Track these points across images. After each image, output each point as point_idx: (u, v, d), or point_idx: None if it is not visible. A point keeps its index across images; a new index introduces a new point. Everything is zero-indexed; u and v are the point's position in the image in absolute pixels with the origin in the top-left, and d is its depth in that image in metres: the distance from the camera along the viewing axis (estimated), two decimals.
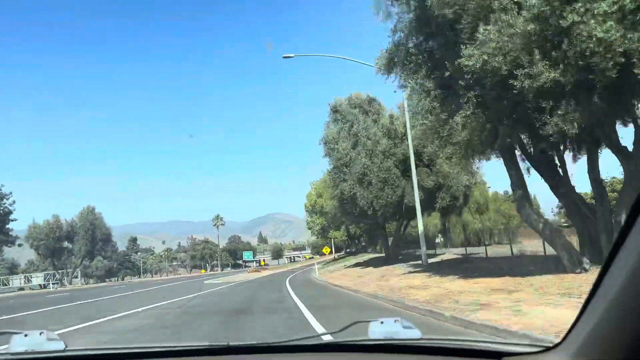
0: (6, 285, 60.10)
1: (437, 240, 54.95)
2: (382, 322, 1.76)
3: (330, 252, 69.23)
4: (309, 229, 63.84)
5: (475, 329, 7.09)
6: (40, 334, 1.79)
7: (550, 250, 20.60)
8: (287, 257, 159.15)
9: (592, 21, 8.70)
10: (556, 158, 14.26)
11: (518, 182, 13.22)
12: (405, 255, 35.32)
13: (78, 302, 22.29)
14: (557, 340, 1.40)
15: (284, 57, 24.69)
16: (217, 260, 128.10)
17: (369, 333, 1.76)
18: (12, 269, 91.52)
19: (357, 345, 1.81)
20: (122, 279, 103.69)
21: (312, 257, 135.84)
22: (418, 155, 25.02)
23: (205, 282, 41.76)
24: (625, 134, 12.89)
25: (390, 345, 1.71)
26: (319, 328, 8.40)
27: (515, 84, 10.28)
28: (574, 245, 13.72)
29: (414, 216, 32.12)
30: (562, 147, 14.75)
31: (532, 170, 15.05)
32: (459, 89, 12.20)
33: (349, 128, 28.72)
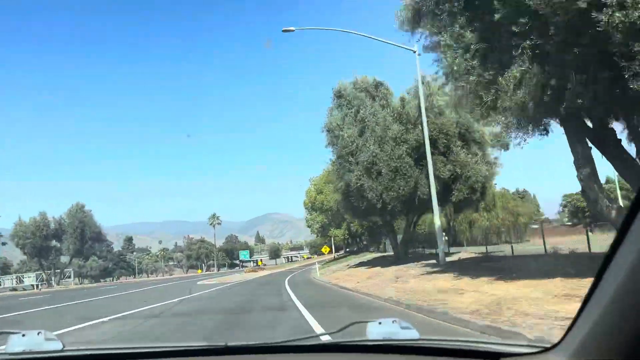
0: None
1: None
2: (380, 323, 1.77)
3: (330, 252, 66.47)
4: (309, 226, 61.01)
5: None
6: (38, 333, 1.79)
7: (596, 247, 17.94)
8: (284, 257, 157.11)
9: None
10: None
11: (584, 157, 10.50)
12: (413, 254, 32.60)
13: (45, 307, 19.49)
14: (556, 341, 1.41)
15: (284, 31, 21.98)
16: (213, 260, 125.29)
17: (367, 334, 1.76)
18: (5, 269, 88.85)
19: (355, 346, 1.81)
20: (118, 279, 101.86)
21: (311, 257, 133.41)
22: (433, 142, 22.34)
23: (197, 283, 39.26)
24: None
25: (389, 345, 1.71)
26: None
27: (600, 18, 7.59)
28: None
29: (426, 210, 29.43)
30: None
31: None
32: (510, 40, 9.52)
33: (354, 114, 25.98)
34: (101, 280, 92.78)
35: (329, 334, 2.39)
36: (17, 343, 1.77)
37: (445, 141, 23.05)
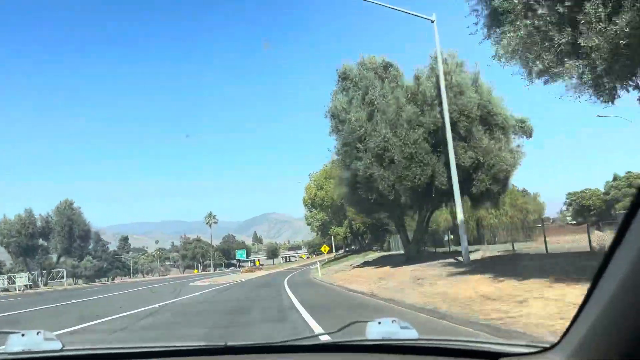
0: None
1: (446, 238, 50.11)
2: (379, 323, 1.75)
3: (330, 251, 63.73)
4: (308, 224, 58.21)
5: None
6: (38, 333, 1.78)
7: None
8: (282, 257, 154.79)
9: None
10: None
11: None
12: (424, 253, 29.90)
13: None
14: (555, 340, 1.40)
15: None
16: (209, 259, 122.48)
17: (367, 333, 1.75)
18: None
19: (354, 346, 1.81)
20: (113, 280, 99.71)
21: (309, 257, 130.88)
22: (452, 125, 19.63)
23: (190, 284, 36.50)
24: None
25: (388, 345, 1.70)
26: None
27: None
28: None
29: (442, 204, 26.79)
30: None
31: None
32: None
33: (362, 96, 23.24)
34: (96, 280, 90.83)
35: (328, 333, 2.38)
36: (16, 343, 1.75)
37: (466, 124, 20.36)
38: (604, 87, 8.65)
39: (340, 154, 24.66)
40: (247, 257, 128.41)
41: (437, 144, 20.53)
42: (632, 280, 1.04)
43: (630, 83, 8.37)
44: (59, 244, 58.49)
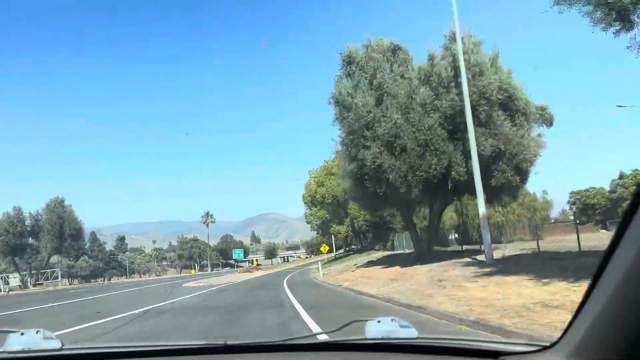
0: None
1: (451, 237, 48.32)
2: (379, 321, 1.74)
3: (329, 251, 61.65)
4: (308, 223, 56.03)
5: None
6: (37, 332, 1.77)
7: None
8: (280, 257, 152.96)
9: None
10: None
11: None
12: (433, 252, 27.86)
13: None
14: (555, 339, 1.39)
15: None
16: (207, 259, 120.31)
17: (366, 332, 1.73)
18: None
19: (353, 344, 1.79)
20: (109, 280, 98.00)
21: (308, 257, 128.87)
22: (472, 109, 17.64)
23: (183, 285, 34.43)
24: None
25: (387, 344, 1.69)
26: None
27: None
28: None
29: (457, 197, 24.84)
30: None
31: None
32: None
33: (369, 79, 21.19)
34: (92, 280, 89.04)
35: (328, 332, 2.28)
36: (15, 342, 1.74)
37: (486, 108, 18.35)
38: None
39: (345, 144, 22.58)
40: (245, 257, 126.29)
41: (454, 131, 18.52)
42: (632, 280, 1.04)
43: None
44: (49, 243, 56.10)
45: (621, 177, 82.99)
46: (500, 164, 19.11)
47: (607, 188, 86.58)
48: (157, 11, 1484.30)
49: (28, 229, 57.03)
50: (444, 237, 45.58)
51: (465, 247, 30.04)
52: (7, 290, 49.75)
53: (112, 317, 12.12)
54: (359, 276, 22.23)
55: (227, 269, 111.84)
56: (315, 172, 52.59)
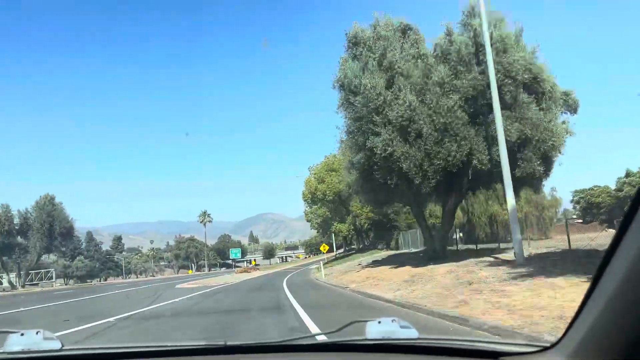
0: None
1: (454, 236, 46.36)
2: (379, 322, 1.72)
3: (329, 250, 59.64)
4: (308, 221, 53.93)
5: None
6: (37, 333, 1.76)
7: None
8: (278, 257, 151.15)
9: None
10: None
11: None
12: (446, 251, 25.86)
13: None
14: (555, 340, 1.39)
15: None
16: (204, 259, 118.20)
17: (366, 333, 1.71)
18: None
19: (354, 345, 1.78)
20: (105, 280, 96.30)
21: (307, 257, 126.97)
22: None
23: (176, 286, 32.45)
24: None
25: (387, 345, 1.68)
26: None
27: None
28: None
29: (476, 189, 22.92)
30: None
31: None
32: None
33: (379, 60, 19.17)
34: (88, 281, 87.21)
35: (328, 333, 2.30)
36: (15, 342, 1.73)
37: (512, 89, 16.35)
38: None
39: (351, 132, 20.53)
40: (243, 257, 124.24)
41: (476, 114, 16.54)
42: (632, 280, 1.04)
43: None
44: (38, 242, 53.82)
45: (628, 175, 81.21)
46: (526, 151, 17.13)
47: (612, 186, 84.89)
48: (157, 11, 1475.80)
49: (17, 227, 54.85)
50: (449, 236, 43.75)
51: (482, 246, 28.15)
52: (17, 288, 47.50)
53: (78, 328, 10.07)
54: (367, 277, 20.21)
55: (223, 269, 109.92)
56: (315, 168, 50.52)
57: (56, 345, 1.74)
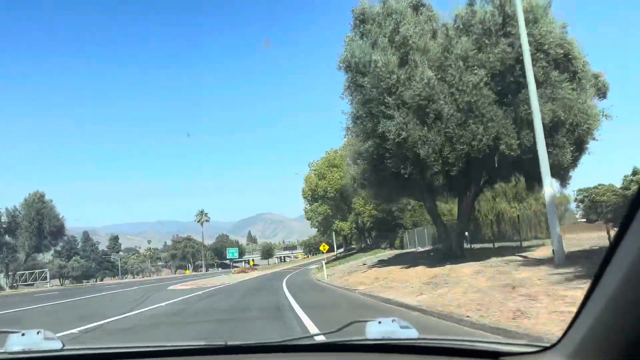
0: None
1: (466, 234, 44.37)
2: (379, 322, 1.70)
3: (330, 250, 57.57)
4: (308, 219, 51.93)
5: None
6: (38, 333, 1.74)
7: None
8: (277, 257, 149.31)
9: None
10: None
11: None
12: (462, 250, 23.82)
13: None
14: (555, 340, 1.38)
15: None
16: (201, 259, 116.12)
17: (366, 333, 1.70)
18: None
19: (354, 345, 1.77)
20: (101, 280, 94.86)
21: (306, 257, 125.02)
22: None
23: (169, 287, 30.41)
24: None
25: (388, 345, 1.66)
26: None
27: None
28: None
29: (496, 180, 21.01)
30: None
31: None
32: None
33: (390, 36, 17.18)
34: (83, 281, 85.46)
35: (328, 333, 2.29)
36: (16, 342, 1.70)
37: (544, 64, 14.38)
38: None
39: (359, 117, 18.51)
40: (241, 257, 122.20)
41: (503, 92, 14.55)
42: (632, 280, 1.03)
43: None
44: (27, 241, 51.73)
45: (635, 172, 79.30)
46: (559, 136, 15.15)
47: (618, 185, 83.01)
48: (157, 11, 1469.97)
49: (4, 226, 52.68)
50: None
51: (499, 244, 26.26)
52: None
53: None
54: (375, 277, 18.21)
55: (221, 269, 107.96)
56: (315, 164, 48.51)
57: (57, 345, 1.73)
